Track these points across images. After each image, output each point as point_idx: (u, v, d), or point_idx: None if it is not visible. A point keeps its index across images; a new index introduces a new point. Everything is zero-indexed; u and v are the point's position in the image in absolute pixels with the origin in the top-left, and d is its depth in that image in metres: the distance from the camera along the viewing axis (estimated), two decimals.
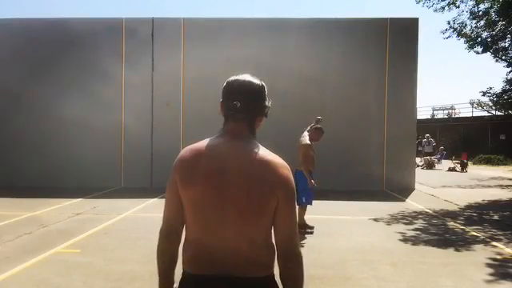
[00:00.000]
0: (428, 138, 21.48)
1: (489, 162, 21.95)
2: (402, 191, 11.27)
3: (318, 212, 7.48)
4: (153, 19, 12.42)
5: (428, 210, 8.75)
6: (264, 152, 1.51)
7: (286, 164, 1.53)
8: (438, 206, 9.33)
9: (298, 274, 1.55)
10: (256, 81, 1.58)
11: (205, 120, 12.19)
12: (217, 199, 1.43)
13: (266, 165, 1.47)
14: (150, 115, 12.31)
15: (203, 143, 1.53)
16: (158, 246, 1.60)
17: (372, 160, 12.06)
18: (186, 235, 1.54)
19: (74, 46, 12.35)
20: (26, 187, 11.28)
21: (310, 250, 5.60)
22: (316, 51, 12.22)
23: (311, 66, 12.13)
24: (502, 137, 24.37)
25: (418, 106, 12.70)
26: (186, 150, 1.53)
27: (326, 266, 4.93)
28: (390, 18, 12.25)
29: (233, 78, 1.58)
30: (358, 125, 12.12)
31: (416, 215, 8.25)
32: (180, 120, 12.32)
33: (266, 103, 1.60)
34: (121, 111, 12.35)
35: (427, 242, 6.08)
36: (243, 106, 1.50)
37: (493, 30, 15.12)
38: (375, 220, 7.71)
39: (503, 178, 15.28)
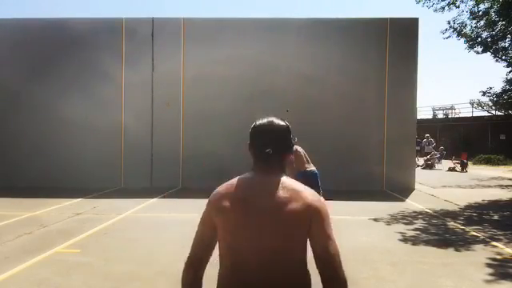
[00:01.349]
0: (428, 138, 21.48)
1: (489, 162, 21.94)
2: (402, 191, 11.26)
3: None
4: (153, 19, 12.42)
5: (428, 210, 8.75)
6: (292, 182, 1.58)
7: (314, 192, 1.58)
8: (438, 206, 9.33)
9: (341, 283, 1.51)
10: (282, 123, 1.67)
11: (205, 120, 12.23)
12: (245, 225, 1.51)
13: (294, 192, 1.53)
14: (150, 115, 12.31)
15: (235, 179, 1.62)
16: (183, 274, 1.67)
17: (372, 160, 12.06)
18: (222, 265, 1.62)
19: (74, 46, 12.35)
20: (26, 187, 11.28)
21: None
22: (316, 51, 12.21)
23: (311, 66, 12.13)
24: (502, 137, 24.36)
25: (417, 105, 12.71)
26: (221, 186, 1.64)
27: None
28: (390, 18, 12.25)
29: (259, 121, 1.67)
30: (358, 125, 12.12)
31: (416, 215, 8.24)
32: (180, 120, 12.32)
33: (293, 141, 1.71)
34: (121, 111, 12.34)
35: (427, 242, 6.08)
36: (273, 148, 1.60)
37: (493, 30, 15.12)
38: (375, 220, 7.70)
39: (503, 178, 15.28)
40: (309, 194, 1.54)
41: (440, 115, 32.01)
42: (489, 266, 4.98)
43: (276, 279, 1.49)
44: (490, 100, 22.63)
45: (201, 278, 1.66)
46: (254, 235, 1.50)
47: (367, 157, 12.05)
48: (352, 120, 12.12)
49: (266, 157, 1.60)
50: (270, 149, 1.59)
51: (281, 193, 1.53)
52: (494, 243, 6.05)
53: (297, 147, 7.21)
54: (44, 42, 12.39)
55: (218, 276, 1.63)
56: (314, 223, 1.51)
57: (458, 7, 14.33)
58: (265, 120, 1.66)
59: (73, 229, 6.70)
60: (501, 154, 22.21)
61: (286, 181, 1.57)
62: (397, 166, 11.94)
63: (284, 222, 1.49)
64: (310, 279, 1.58)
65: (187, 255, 1.67)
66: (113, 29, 12.39)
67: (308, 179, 6.86)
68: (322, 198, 1.61)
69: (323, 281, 1.49)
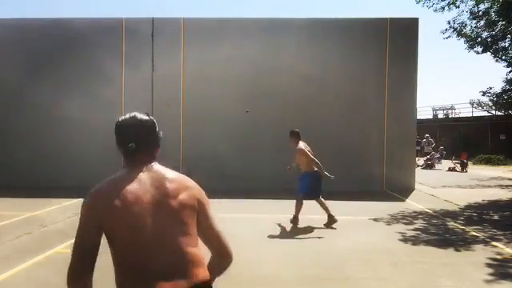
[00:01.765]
0: (428, 138, 21.48)
1: (489, 162, 21.94)
2: (402, 191, 11.26)
3: (318, 212, 7.47)
4: (153, 19, 12.41)
5: (428, 210, 8.75)
6: (171, 172, 1.68)
7: (190, 179, 1.72)
8: (438, 206, 9.33)
9: (226, 268, 1.72)
10: (145, 117, 1.76)
11: (205, 120, 12.23)
12: (140, 225, 1.51)
13: (179, 182, 1.64)
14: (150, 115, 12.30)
15: (112, 178, 1.64)
16: (71, 287, 1.64)
17: (372, 160, 12.05)
18: (119, 268, 1.62)
19: (74, 46, 12.34)
20: (25, 187, 11.27)
21: (310, 250, 5.61)
22: (316, 51, 12.21)
23: (311, 66, 12.13)
24: (502, 137, 24.36)
25: (417, 106, 12.71)
26: (97, 187, 1.62)
27: (326, 266, 4.93)
28: (390, 18, 12.24)
29: (122, 118, 1.75)
30: (358, 125, 12.12)
31: (416, 215, 8.25)
32: (180, 120, 12.32)
33: (159, 135, 1.82)
34: (121, 111, 12.33)
35: (427, 242, 6.08)
36: (137, 143, 1.67)
37: (493, 30, 15.13)
38: (375, 220, 7.70)
39: (503, 178, 15.28)
40: (191, 182, 1.68)
41: (440, 115, 32.01)
42: (489, 265, 4.98)
43: (182, 268, 1.53)
44: (490, 100, 22.64)
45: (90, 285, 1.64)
46: (156, 230, 1.51)
47: (367, 157, 12.05)
48: (352, 120, 12.12)
49: (132, 152, 1.65)
50: (134, 143, 1.65)
51: (167, 185, 1.60)
52: (494, 243, 6.05)
53: (301, 146, 7.25)
54: (44, 42, 12.39)
55: (118, 285, 1.59)
56: (200, 209, 1.64)
57: (458, 7, 14.35)
58: (127, 116, 1.74)
59: (73, 229, 6.60)
60: (501, 154, 22.21)
61: (164, 171, 1.66)
62: (397, 166, 11.93)
63: (179, 212, 1.56)
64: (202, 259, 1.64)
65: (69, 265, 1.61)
66: (113, 29, 12.38)
67: (318, 181, 7.01)
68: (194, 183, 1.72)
69: (216, 255, 1.68)
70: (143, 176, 1.61)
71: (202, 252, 1.62)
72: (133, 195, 1.54)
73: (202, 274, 1.57)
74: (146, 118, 1.75)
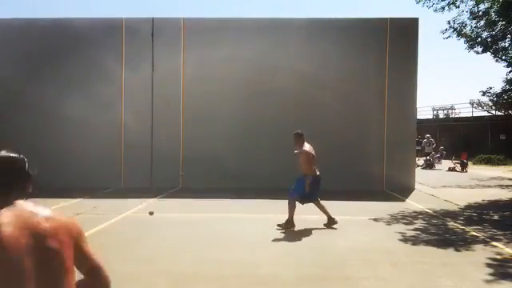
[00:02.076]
0: (429, 138, 21.47)
1: (489, 162, 21.94)
2: (402, 191, 11.26)
3: (318, 212, 7.46)
4: (153, 19, 12.41)
5: (428, 210, 8.75)
6: (36, 212, 1.49)
7: (53, 214, 1.53)
8: (438, 206, 9.33)
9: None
10: (14, 154, 1.63)
11: (205, 120, 12.23)
12: (9, 275, 1.32)
13: (52, 221, 1.48)
14: (150, 115, 12.31)
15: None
16: None
17: (372, 160, 12.06)
18: None
19: (74, 46, 12.34)
20: None
21: (310, 250, 5.60)
22: (316, 51, 12.21)
23: (311, 66, 12.13)
24: (502, 137, 24.36)
25: (417, 105, 12.71)
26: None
27: (326, 265, 4.93)
28: (390, 18, 12.24)
29: None
30: (358, 125, 12.12)
31: (416, 215, 8.25)
32: (180, 120, 12.32)
33: (29, 172, 1.71)
34: (121, 111, 12.35)
35: (427, 242, 6.08)
36: (3, 184, 1.52)
37: (493, 30, 15.12)
38: (375, 220, 7.70)
39: (503, 178, 15.28)
40: (64, 219, 1.54)
41: (440, 115, 32.01)
42: (489, 265, 4.98)
43: None
44: (490, 100, 22.64)
45: None
46: (20, 279, 1.32)
47: (367, 157, 12.05)
48: (352, 120, 12.12)
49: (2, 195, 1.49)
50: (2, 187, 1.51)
51: (41, 226, 1.43)
52: (494, 243, 6.05)
53: (306, 148, 7.09)
54: (44, 42, 12.39)
55: None
56: (79, 244, 1.54)
57: (458, 7, 14.34)
58: None
59: None
60: (501, 154, 22.20)
61: (29, 213, 1.46)
62: (397, 166, 11.94)
63: (60, 258, 1.42)
64: None
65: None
66: (113, 29, 12.39)
67: (316, 186, 6.92)
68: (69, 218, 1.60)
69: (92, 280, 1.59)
70: (15, 215, 1.43)
71: None
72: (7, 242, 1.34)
73: None
74: (15, 155, 1.64)
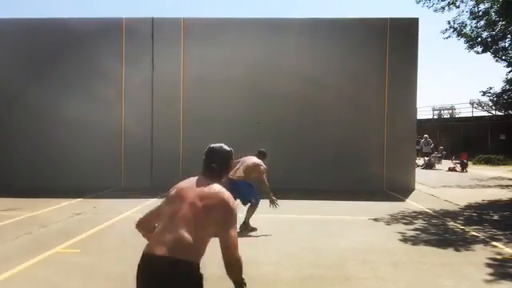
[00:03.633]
0: (426, 138, 21.44)
1: (489, 162, 21.93)
2: (402, 191, 11.26)
3: (318, 212, 7.51)
4: (153, 19, 12.41)
5: (428, 210, 8.75)
6: (219, 188, 2.28)
7: (228, 196, 2.25)
8: (438, 205, 9.33)
9: (231, 262, 2.25)
10: (227, 148, 2.46)
11: (205, 120, 12.22)
12: (174, 205, 2.25)
13: (216, 194, 2.23)
14: (150, 115, 12.31)
15: (188, 179, 2.40)
16: (140, 230, 2.66)
17: (372, 160, 12.05)
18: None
19: (74, 45, 12.34)
20: (26, 187, 11.27)
21: (310, 250, 5.60)
22: (316, 51, 12.21)
23: (311, 66, 12.12)
24: (502, 137, 24.36)
25: (417, 105, 12.70)
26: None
27: (326, 265, 4.93)
28: (390, 18, 12.24)
29: (212, 145, 2.47)
30: (358, 125, 12.12)
31: (416, 215, 8.25)
32: (180, 120, 12.32)
33: (231, 164, 2.50)
34: (121, 111, 12.34)
35: (427, 242, 6.08)
36: (217, 167, 2.38)
37: (493, 30, 15.11)
38: (375, 220, 7.70)
39: (503, 178, 15.28)
40: (225, 200, 2.21)
41: (444, 115, 31.98)
42: (489, 265, 4.98)
43: (175, 244, 2.18)
44: (490, 100, 22.65)
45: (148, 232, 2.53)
46: (179, 211, 2.20)
47: (367, 157, 12.05)
48: (352, 120, 12.12)
49: (212, 170, 2.36)
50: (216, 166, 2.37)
51: (204, 191, 2.24)
52: (494, 243, 6.05)
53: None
54: (44, 42, 12.38)
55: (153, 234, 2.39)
56: (219, 220, 2.19)
57: (458, 7, 14.33)
58: (216, 144, 2.47)
59: (73, 229, 6.70)
60: (501, 154, 22.20)
61: (213, 185, 2.28)
62: (397, 166, 11.93)
63: (197, 210, 2.19)
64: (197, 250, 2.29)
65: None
66: (113, 29, 12.38)
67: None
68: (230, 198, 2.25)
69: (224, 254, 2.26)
70: (200, 182, 2.31)
71: (190, 246, 2.15)
72: (182, 186, 2.33)
73: (184, 255, 2.13)
74: (228, 149, 2.46)
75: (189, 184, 2.32)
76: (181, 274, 2.16)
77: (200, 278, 2.31)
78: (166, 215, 2.27)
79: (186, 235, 2.14)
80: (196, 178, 2.35)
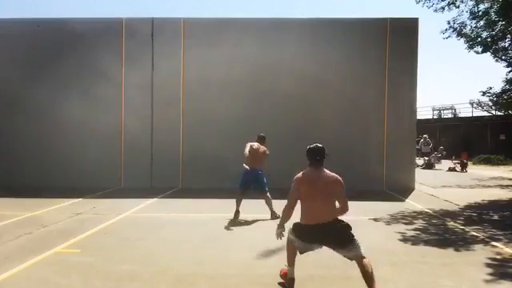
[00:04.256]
0: (426, 138, 21.43)
1: (489, 162, 21.94)
2: (402, 191, 11.26)
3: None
4: (153, 19, 12.42)
5: (428, 210, 8.75)
6: (329, 172, 3.99)
7: (337, 175, 3.96)
8: (438, 206, 9.33)
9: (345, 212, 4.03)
10: (321, 145, 4.05)
11: (205, 120, 12.23)
12: (312, 192, 3.88)
13: (332, 176, 3.95)
14: (150, 115, 12.31)
15: (304, 172, 3.99)
16: (285, 210, 4.04)
17: (372, 160, 12.06)
18: (302, 207, 4.01)
19: (74, 46, 12.35)
20: (25, 187, 11.28)
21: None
22: (316, 51, 12.22)
23: (311, 66, 12.13)
24: (502, 137, 24.38)
25: (417, 105, 12.70)
26: (300, 174, 4.00)
27: (327, 265, 4.93)
28: (390, 18, 12.24)
29: (312, 145, 4.05)
30: (358, 125, 12.12)
31: (416, 215, 8.24)
32: (180, 120, 12.32)
33: (326, 155, 4.05)
34: (121, 111, 12.35)
35: (427, 242, 6.08)
36: (320, 158, 4.00)
37: (493, 30, 15.09)
38: (375, 220, 7.70)
39: (503, 178, 15.28)
40: (338, 178, 3.96)
41: (447, 115, 31.98)
42: (489, 266, 4.97)
43: (328, 211, 3.96)
44: (490, 100, 22.61)
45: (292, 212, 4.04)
46: (318, 193, 3.89)
47: (367, 157, 12.06)
48: (352, 120, 12.13)
49: (318, 162, 4.01)
50: (319, 157, 4.03)
51: (325, 177, 3.93)
52: (494, 243, 6.04)
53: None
54: (44, 43, 12.39)
55: (301, 214, 4.02)
56: (338, 191, 3.96)
57: (458, 7, 14.30)
58: (315, 144, 4.07)
59: (73, 229, 6.70)
60: (501, 153, 22.21)
61: (327, 172, 3.99)
62: (397, 166, 11.94)
63: (328, 190, 3.92)
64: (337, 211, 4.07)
65: (286, 206, 4.08)
66: (113, 29, 12.39)
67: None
68: (340, 178, 4.00)
69: (340, 209, 4.04)
70: (317, 172, 3.97)
71: (334, 209, 3.97)
72: (310, 177, 3.93)
73: (335, 216, 3.94)
74: (321, 145, 4.07)
75: (311, 173, 3.98)
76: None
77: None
78: (307, 195, 3.93)
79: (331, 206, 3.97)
80: (311, 169, 4.01)
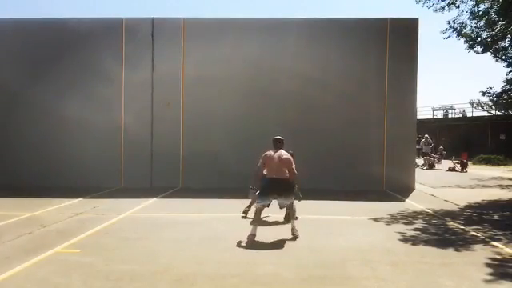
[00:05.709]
0: (427, 138, 21.44)
1: (489, 162, 21.94)
2: (402, 191, 11.26)
3: (318, 212, 7.50)
4: (153, 19, 12.41)
5: (428, 210, 8.75)
6: (284, 152, 6.40)
7: (288, 154, 6.40)
8: (438, 206, 9.33)
9: (295, 180, 6.40)
10: (281, 137, 6.63)
11: (205, 120, 12.23)
12: (272, 162, 6.32)
13: (284, 154, 6.36)
14: (150, 115, 12.31)
15: (269, 152, 6.45)
16: (256, 172, 6.52)
17: (372, 160, 12.05)
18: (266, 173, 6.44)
19: (74, 46, 12.35)
20: (26, 187, 11.28)
21: (310, 250, 5.60)
22: (316, 51, 12.21)
23: (311, 66, 12.13)
24: (502, 137, 24.38)
25: (417, 105, 12.70)
26: (268, 152, 6.45)
27: (326, 265, 4.93)
28: (390, 18, 12.23)
29: (275, 137, 6.62)
30: (358, 125, 12.12)
31: (416, 215, 8.24)
32: (180, 120, 12.32)
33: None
34: (121, 111, 12.35)
35: (427, 242, 6.08)
36: (279, 143, 6.55)
37: (493, 30, 15.13)
38: (375, 220, 7.70)
39: (503, 178, 15.28)
40: (288, 156, 6.36)
41: (440, 115, 32.01)
42: (489, 265, 4.98)
43: (281, 174, 6.29)
44: (490, 100, 22.65)
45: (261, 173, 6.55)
46: (276, 165, 6.27)
47: (367, 157, 12.05)
48: (352, 120, 12.12)
49: (279, 147, 6.48)
50: (279, 144, 6.53)
51: (281, 154, 6.34)
52: (494, 243, 6.05)
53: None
54: (44, 42, 12.39)
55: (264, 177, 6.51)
56: (288, 164, 6.29)
57: (458, 7, 14.34)
58: (276, 136, 6.64)
59: (73, 229, 6.70)
60: (501, 154, 22.22)
61: (284, 152, 6.40)
62: (397, 166, 11.94)
63: (282, 162, 6.27)
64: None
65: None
66: (113, 29, 12.38)
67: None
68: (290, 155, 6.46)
69: (290, 176, 6.30)
70: (277, 152, 6.36)
71: (285, 173, 6.22)
72: (272, 155, 6.36)
73: (286, 177, 6.23)
74: (282, 137, 6.60)
75: (272, 153, 6.34)
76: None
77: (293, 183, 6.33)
78: (269, 166, 6.25)
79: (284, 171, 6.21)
80: (274, 150, 6.36)
